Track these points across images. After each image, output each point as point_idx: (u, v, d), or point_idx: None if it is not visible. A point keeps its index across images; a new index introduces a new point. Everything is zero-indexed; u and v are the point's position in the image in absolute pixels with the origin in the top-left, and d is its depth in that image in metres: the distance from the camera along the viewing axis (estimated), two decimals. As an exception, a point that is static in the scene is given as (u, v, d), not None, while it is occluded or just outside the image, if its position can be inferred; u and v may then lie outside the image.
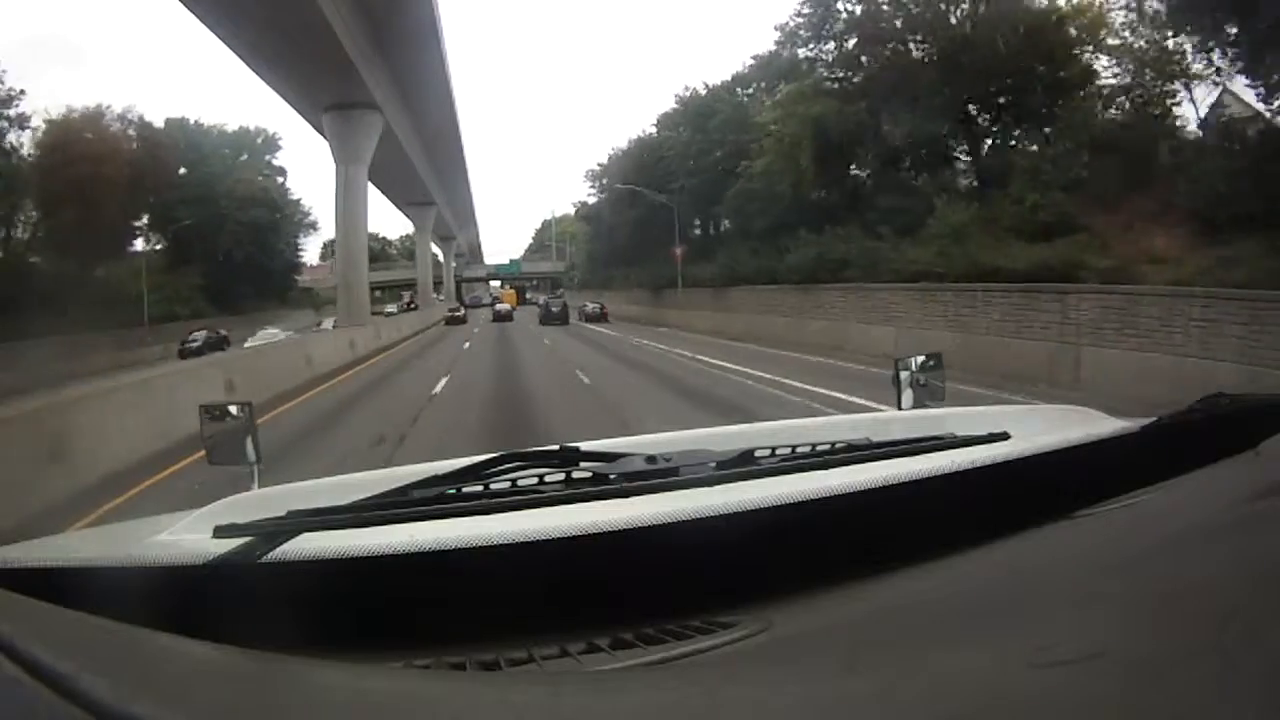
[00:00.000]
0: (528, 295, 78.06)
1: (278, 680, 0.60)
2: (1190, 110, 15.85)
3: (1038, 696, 0.48)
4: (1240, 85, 14.26)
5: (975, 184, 18.28)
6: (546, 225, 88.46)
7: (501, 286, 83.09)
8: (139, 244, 39.56)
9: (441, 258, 76.87)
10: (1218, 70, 14.52)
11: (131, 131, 36.80)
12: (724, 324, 23.57)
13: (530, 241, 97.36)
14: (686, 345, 19.67)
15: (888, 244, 17.09)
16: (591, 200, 49.18)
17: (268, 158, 48.10)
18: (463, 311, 52.37)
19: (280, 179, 48.73)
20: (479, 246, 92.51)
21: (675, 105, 34.52)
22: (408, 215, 59.06)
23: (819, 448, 1.04)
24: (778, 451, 1.01)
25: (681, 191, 30.49)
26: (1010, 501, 0.91)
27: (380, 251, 77.86)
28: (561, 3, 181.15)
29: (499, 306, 49.85)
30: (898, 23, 19.41)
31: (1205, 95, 15.49)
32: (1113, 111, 16.82)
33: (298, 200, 52.32)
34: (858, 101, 19.52)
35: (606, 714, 0.55)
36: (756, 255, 23.00)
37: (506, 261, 79.28)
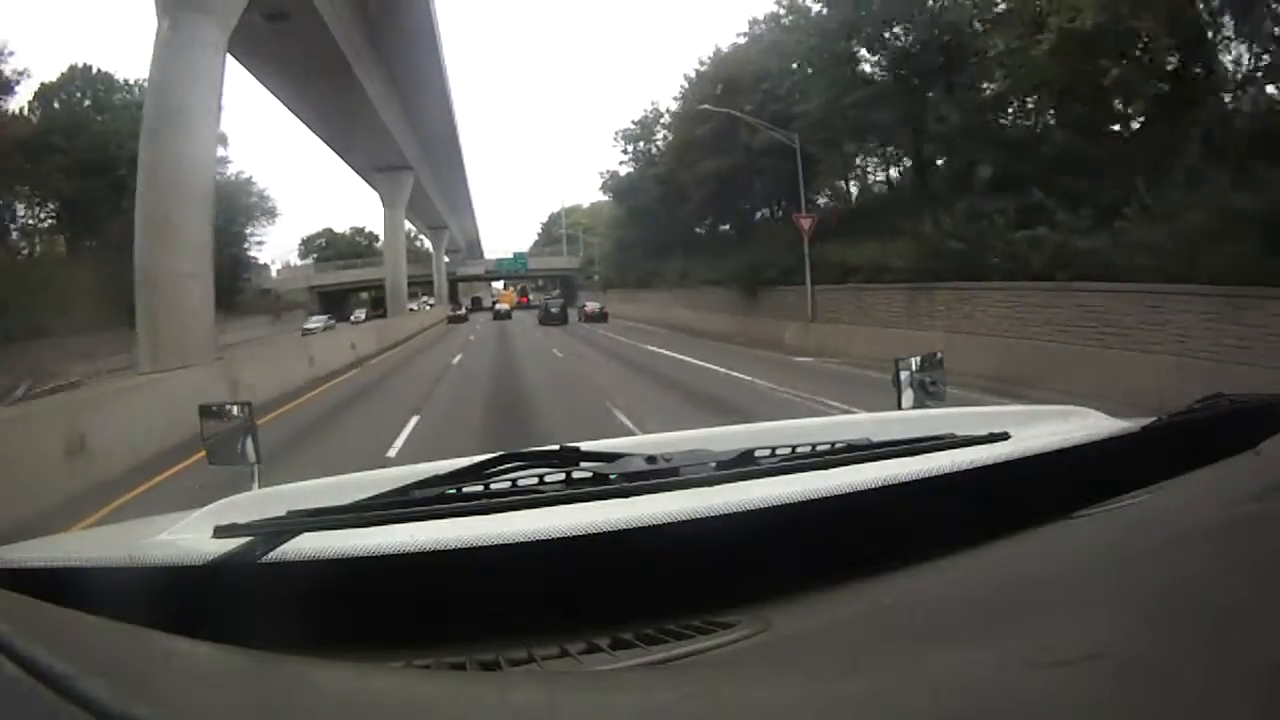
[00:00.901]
0: (530, 298, 69.41)
1: (278, 680, 0.60)
2: None
3: (1038, 696, 0.48)
4: None
5: None
6: (554, 219, 75.33)
7: (504, 287, 74.59)
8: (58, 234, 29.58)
9: (431, 251, 65.07)
10: None
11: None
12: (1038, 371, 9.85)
13: (536, 236, 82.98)
14: None
15: None
16: (625, 169, 36.54)
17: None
18: (464, 311, 53.53)
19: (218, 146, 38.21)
20: (478, 240, 78.61)
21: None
22: (372, 184, 44.82)
23: (819, 448, 1.04)
24: (778, 451, 1.01)
25: (814, 123, 17.16)
26: (1010, 501, 0.91)
27: (367, 248, 68.47)
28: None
29: (498, 306, 52.58)
30: None
31: None
32: None
33: (247, 179, 41.92)
34: None
35: (606, 714, 0.55)
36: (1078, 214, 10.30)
37: (510, 256, 63.85)
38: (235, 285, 37.37)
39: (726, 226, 28.15)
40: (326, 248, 70.26)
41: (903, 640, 0.66)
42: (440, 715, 0.54)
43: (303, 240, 73.12)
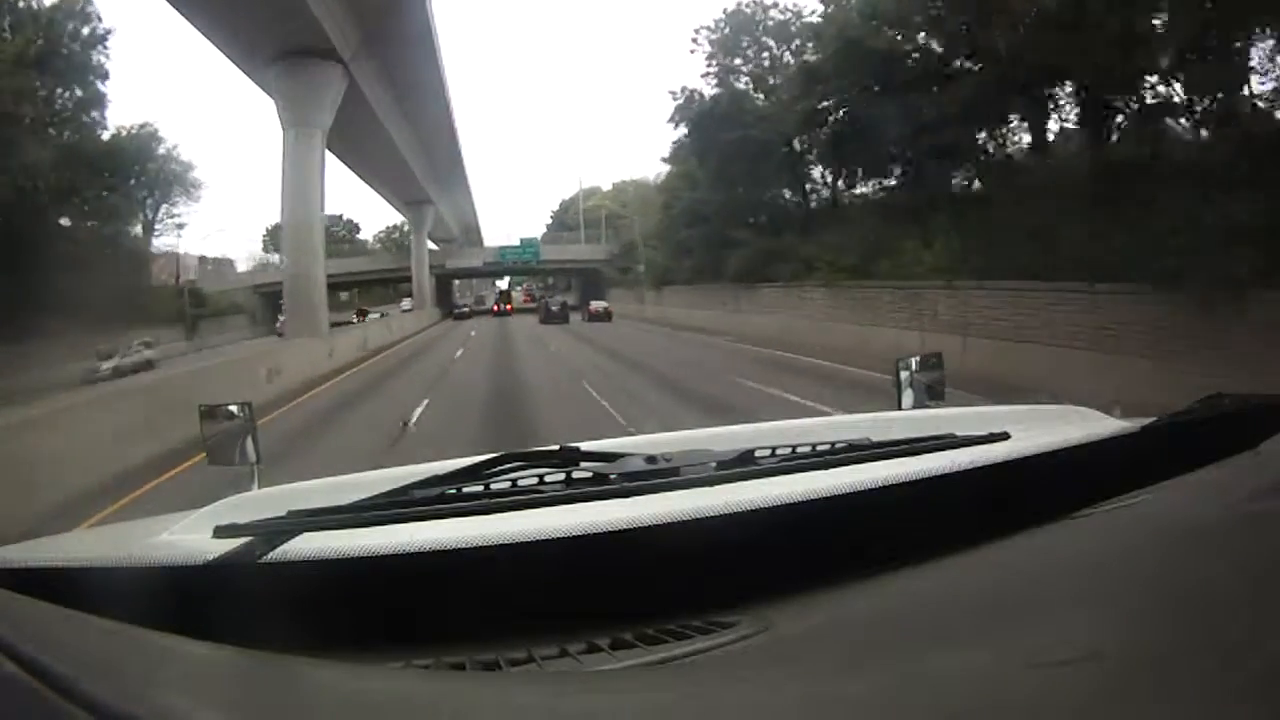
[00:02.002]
0: (536, 297, 55.40)
1: (278, 680, 0.60)
2: None
3: (1038, 696, 0.48)
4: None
5: None
6: (568, 206, 60.05)
7: (508, 285, 63.44)
8: None
9: (410, 233, 47.50)
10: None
11: None
12: None
13: (545, 228, 63.27)
14: None
15: None
16: (709, 88, 22.75)
17: (95, 56, 25.11)
18: (467, 309, 49.15)
19: (96, 76, 24.91)
20: (476, 227, 60.29)
21: None
22: (264, 87, 22.85)
23: (819, 448, 1.04)
24: (778, 451, 1.01)
25: None
26: (1010, 501, 0.91)
27: (345, 238, 56.13)
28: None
29: (500, 308, 48.85)
30: None
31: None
32: None
33: (150, 133, 29.61)
34: None
35: (606, 714, 0.55)
36: None
37: (516, 244, 47.61)
38: (132, 283, 24.99)
39: (894, 175, 16.54)
40: (297, 239, 59.11)
41: (903, 640, 0.66)
42: (440, 715, 0.54)
43: (268, 230, 56.70)
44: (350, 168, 37.68)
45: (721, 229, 22.21)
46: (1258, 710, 0.44)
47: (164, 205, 32.66)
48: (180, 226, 36.09)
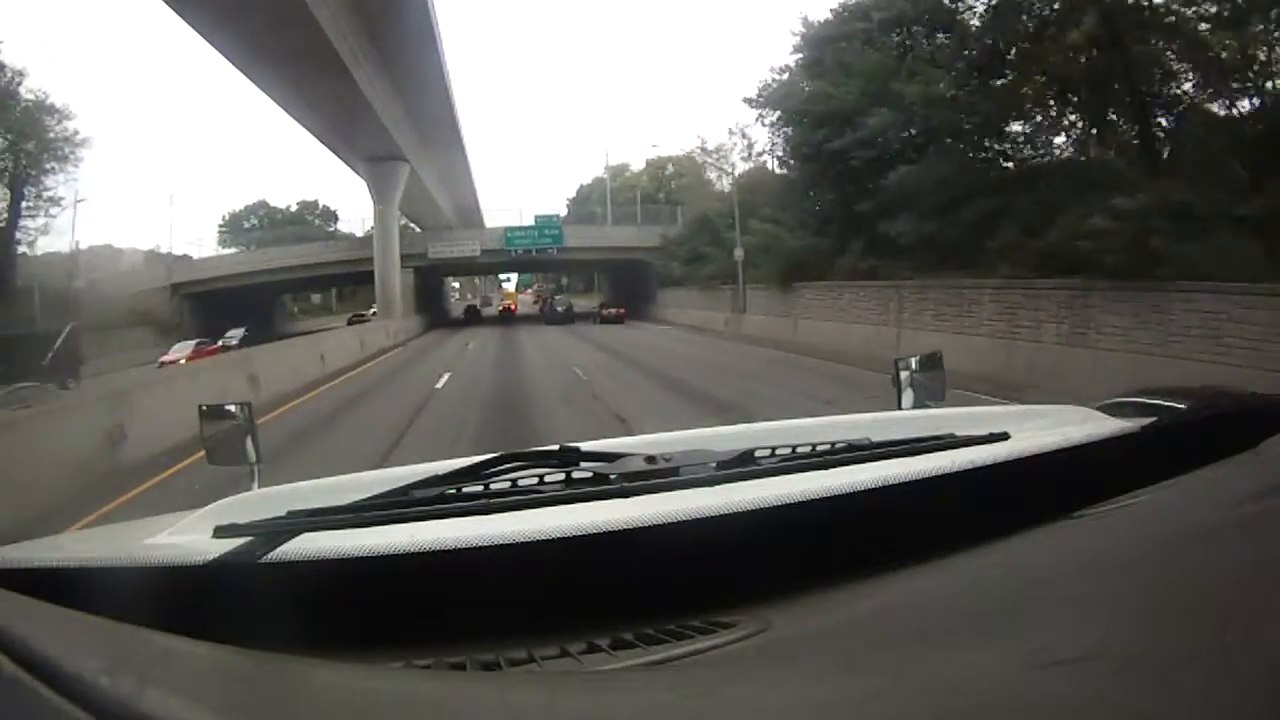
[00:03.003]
0: (549, 300, 45.93)
1: (278, 680, 0.60)
2: None
3: (1038, 696, 0.48)
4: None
5: None
6: (587, 191, 51.48)
7: (516, 286, 56.19)
8: None
9: (372, 206, 31.06)
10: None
11: None
12: None
13: (562, 217, 42.64)
14: None
15: None
16: None
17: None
18: (476, 308, 46.35)
19: None
20: (476, 204, 45.01)
21: None
22: None
23: (819, 448, 1.04)
24: (778, 451, 1.01)
25: None
26: (1010, 501, 0.91)
27: (318, 229, 46.05)
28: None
29: (503, 305, 47.68)
30: None
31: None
32: None
33: None
34: None
35: (606, 714, 0.55)
36: None
37: (529, 225, 34.92)
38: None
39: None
40: (260, 228, 47.54)
41: (903, 640, 0.66)
42: (440, 715, 0.54)
43: (225, 219, 48.55)
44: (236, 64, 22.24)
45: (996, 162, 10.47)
46: (1258, 710, 0.44)
47: (32, 175, 21.83)
48: (55, 203, 22.72)
